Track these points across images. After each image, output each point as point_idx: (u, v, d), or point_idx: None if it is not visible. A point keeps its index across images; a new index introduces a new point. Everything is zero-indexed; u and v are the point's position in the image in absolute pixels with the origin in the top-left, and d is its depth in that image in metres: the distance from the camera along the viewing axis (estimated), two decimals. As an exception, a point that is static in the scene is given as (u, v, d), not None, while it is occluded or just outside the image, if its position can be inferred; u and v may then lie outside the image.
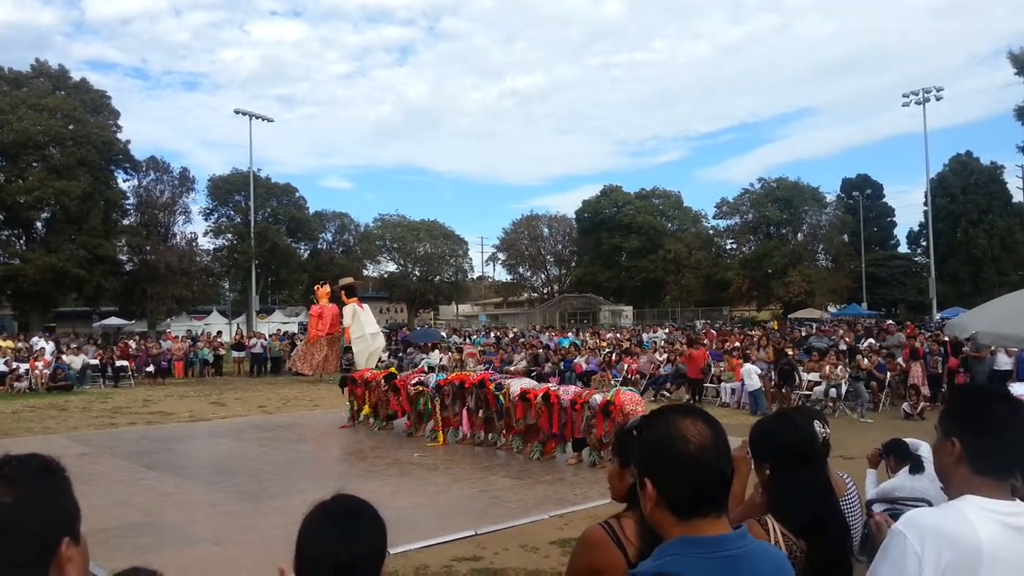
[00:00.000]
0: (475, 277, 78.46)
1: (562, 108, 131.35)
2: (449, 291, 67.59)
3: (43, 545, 1.23)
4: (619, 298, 62.67)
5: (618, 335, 31.44)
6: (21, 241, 41.82)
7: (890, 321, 33.04)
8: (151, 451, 12.08)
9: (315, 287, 27.10)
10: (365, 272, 60.68)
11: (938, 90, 43.03)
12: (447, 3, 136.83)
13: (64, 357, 23.80)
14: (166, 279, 41.72)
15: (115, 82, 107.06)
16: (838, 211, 55.92)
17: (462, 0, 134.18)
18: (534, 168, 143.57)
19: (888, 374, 16.86)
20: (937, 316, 37.94)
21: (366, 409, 14.11)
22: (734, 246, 59.63)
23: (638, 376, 20.11)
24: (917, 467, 4.96)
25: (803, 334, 25.63)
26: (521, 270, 71.29)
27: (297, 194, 56.89)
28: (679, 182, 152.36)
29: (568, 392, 11.03)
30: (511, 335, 34.26)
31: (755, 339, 23.64)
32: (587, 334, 32.62)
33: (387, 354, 25.70)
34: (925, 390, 16.12)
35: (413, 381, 13.25)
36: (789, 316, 44.39)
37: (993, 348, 15.78)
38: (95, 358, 24.58)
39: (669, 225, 65.37)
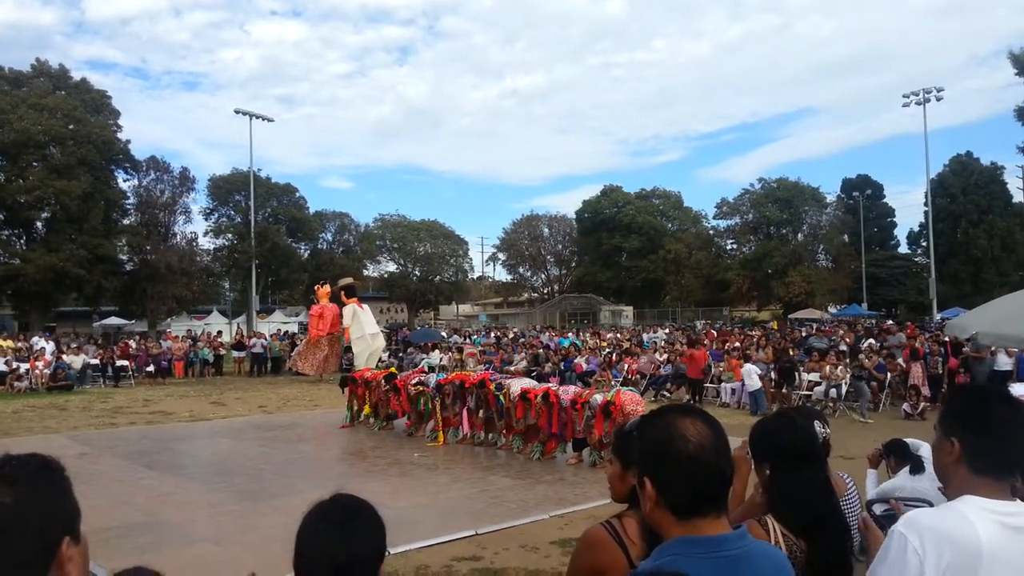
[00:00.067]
0: (475, 277, 78.57)
1: (562, 108, 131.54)
2: (449, 291, 67.60)
3: (43, 545, 1.23)
4: (619, 298, 62.69)
5: (618, 335, 31.44)
6: (21, 241, 41.83)
7: (890, 321, 33.05)
8: (151, 451, 12.09)
9: (315, 287, 27.09)
10: (365, 272, 60.73)
11: (938, 90, 43.05)
12: (447, 3, 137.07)
13: (64, 357, 23.81)
14: (166, 279, 41.72)
15: (115, 82, 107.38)
16: (838, 211, 55.93)
17: None
18: (534, 168, 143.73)
19: (888, 374, 16.87)
20: (937, 316, 37.94)
21: (367, 409, 14.11)
22: (734, 246, 59.65)
23: (638, 376, 20.11)
24: (917, 467, 4.96)
25: (803, 334, 25.63)
26: (521, 270, 71.31)
27: (297, 194, 56.96)
28: (679, 182, 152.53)
29: (568, 392, 11.03)
30: (511, 335, 34.26)
31: (755, 339, 23.64)
32: (587, 334, 32.62)
33: (387, 354, 25.71)
34: (925, 390, 16.12)
35: (413, 381, 13.25)
36: (789, 316, 44.38)
37: (993, 348, 15.77)
38: (95, 358, 24.58)
39: (669, 225, 65.38)
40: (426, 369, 16.32)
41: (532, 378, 15.00)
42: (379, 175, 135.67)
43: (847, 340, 21.71)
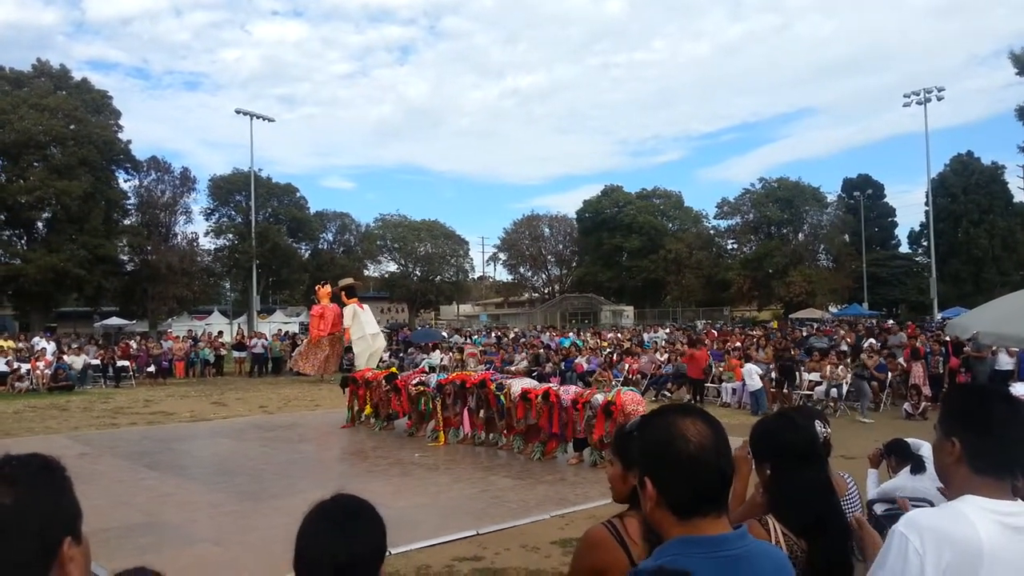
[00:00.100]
0: (476, 277, 78.59)
1: (563, 108, 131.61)
2: (450, 291, 67.60)
3: (44, 545, 1.23)
4: (620, 298, 62.70)
5: (619, 335, 31.45)
6: (22, 241, 41.86)
7: (891, 321, 33.03)
8: (152, 451, 12.09)
9: (316, 287, 27.10)
10: (366, 272, 60.74)
11: (939, 90, 42.98)
12: (448, 2, 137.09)
13: (65, 357, 23.83)
14: (167, 279, 41.72)
15: (116, 82, 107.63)
16: (839, 211, 55.91)
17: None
18: (535, 168, 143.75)
19: (889, 374, 16.86)
20: (938, 316, 37.92)
21: (367, 409, 14.12)
22: (735, 246, 59.62)
23: (639, 376, 20.11)
24: (918, 467, 4.95)
25: (803, 334, 25.63)
26: (522, 270, 71.32)
27: (298, 194, 56.97)
28: (680, 182, 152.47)
29: (569, 392, 11.02)
30: (512, 335, 34.27)
31: (756, 339, 23.64)
32: (588, 334, 32.64)
33: (388, 354, 25.73)
34: (926, 390, 16.11)
35: (414, 381, 13.25)
36: (790, 316, 44.38)
37: (994, 348, 15.77)
38: (96, 358, 24.60)
39: (670, 225, 65.37)
40: (427, 369, 16.32)
41: (533, 378, 15.00)
42: (380, 175, 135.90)
43: (848, 340, 21.69)
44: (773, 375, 17.35)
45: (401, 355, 26.82)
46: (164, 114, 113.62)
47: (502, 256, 71.55)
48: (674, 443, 1.56)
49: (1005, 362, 16.56)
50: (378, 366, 19.94)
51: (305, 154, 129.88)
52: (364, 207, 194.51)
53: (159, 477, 10.05)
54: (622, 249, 63.11)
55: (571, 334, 32.91)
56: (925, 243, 51.67)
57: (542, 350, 24.36)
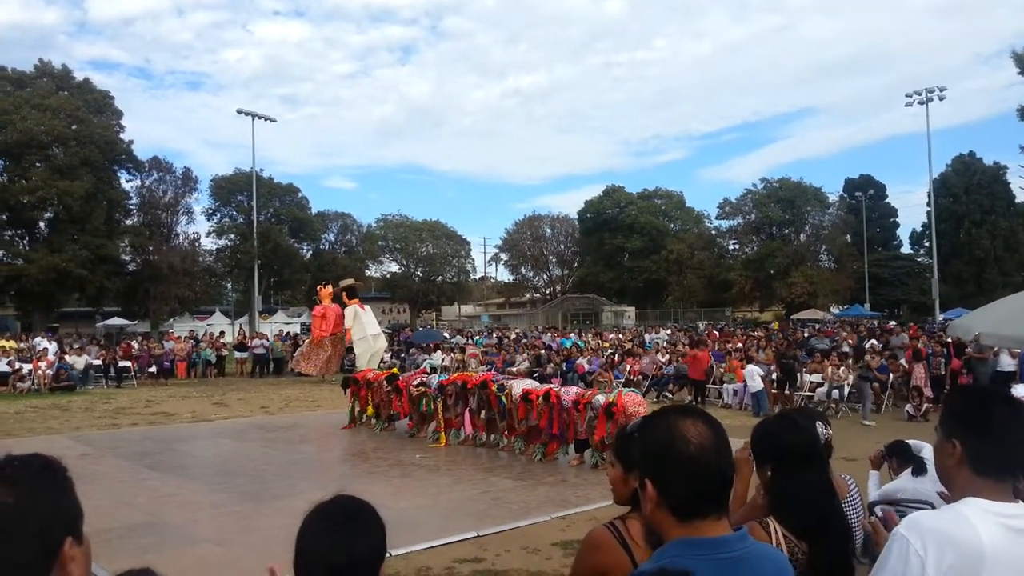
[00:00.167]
0: (477, 278, 78.52)
1: (564, 108, 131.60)
2: (451, 292, 67.59)
3: (45, 545, 1.23)
4: (621, 299, 62.67)
5: (620, 336, 31.45)
6: (24, 241, 41.93)
7: (893, 322, 33.00)
8: (153, 452, 12.10)
9: (318, 288, 27.10)
10: (367, 272, 60.74)
11: (941, 90, 42.96)
12: (450, 2, 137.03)
13: (67, 357, 23.85)
14: (169, 279, 41.75)
15: (118, 82, 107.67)
16: (841, 211, 55.87)
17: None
18: (536, 168, 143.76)
19: (891, 375, 16.84)
20: (940, 317, 37.85)
21: (369, 410, 14.12)
22: (736, 247, 59.60)
23: (640, 377, 20.10)
24: (920, 469, 4.94)
25: (805, 335, 25.60)
26: (523, 271, 71.30)
27: (300, 194, 56.99)
28: (681, 182, 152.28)
29: (570, 393, 11.01)
30: (513, 336, 34.28)
31: (757, 340, 23.62)
32: (589, 335, 32.64)
33: (389, 355, 25.73)
34: (928, 391, 16.08)
35: (415, 382, 13.25)
36: (792, 317, 44.34)
37: (996, 349, 15.73)
38: (98, 358, 24.63)
39: (671, 225, 65.34)
40: (428, 370, 16.33)
41: (534, 379, 14.97)
42: (381, 175, 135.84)
43: (850, 341, 21.66)
44: (774, 376, 17.34)
45: (402, 356, 26.83)
46: (166, 114, 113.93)
47: (504, 256, 71.59)
48: (675, 444, 1.55)
49: (1007, 363, 16.52)
50: (379, 367, 19.94)
51: (307, 154, 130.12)
52: (366, 207, 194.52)
53: (160, 478, 10.06)
54: (623, 249, 63.09)
55: (572, 335, 32.91)
56: (927, 244, 51.64)
57: (543, 351, 24.35)
